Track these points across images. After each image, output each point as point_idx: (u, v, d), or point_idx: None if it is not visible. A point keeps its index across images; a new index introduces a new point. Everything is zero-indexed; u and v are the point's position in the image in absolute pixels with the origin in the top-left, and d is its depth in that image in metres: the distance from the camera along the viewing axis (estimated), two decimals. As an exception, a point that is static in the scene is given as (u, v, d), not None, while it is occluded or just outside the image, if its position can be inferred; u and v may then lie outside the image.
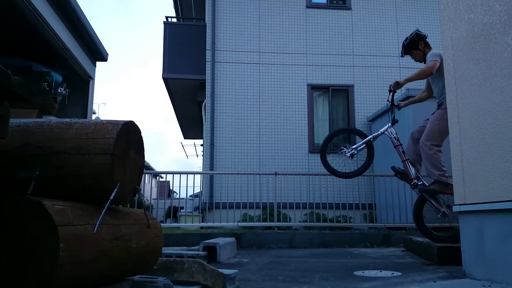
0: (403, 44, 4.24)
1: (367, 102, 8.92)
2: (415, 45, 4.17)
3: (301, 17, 9.26)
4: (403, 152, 4.10)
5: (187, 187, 7.88)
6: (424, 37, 4.16)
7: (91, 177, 1.54)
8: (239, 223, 6.68)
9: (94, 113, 16.17)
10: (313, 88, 8.99)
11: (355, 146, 4.23)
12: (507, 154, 2.38)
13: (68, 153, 1.54)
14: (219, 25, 9.00)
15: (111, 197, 1.54)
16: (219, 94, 8.68)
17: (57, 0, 3.80)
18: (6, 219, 1.27)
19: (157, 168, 32.94)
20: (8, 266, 1.24)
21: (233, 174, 7.82)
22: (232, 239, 4.71)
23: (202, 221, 7.71)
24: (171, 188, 11.15)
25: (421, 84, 4.71)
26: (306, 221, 7.19)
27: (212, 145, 8.38)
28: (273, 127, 8.64)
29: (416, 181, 4.00)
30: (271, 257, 4.39)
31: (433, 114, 4.00)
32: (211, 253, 3.97)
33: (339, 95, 9.10)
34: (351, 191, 7.71)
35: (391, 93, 4.14)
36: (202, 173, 8.48)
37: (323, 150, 4.29)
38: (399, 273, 3.10)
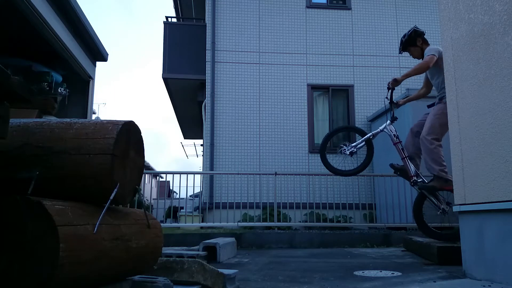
0: (401, 40, 4.24)
1: (367, 102, 8.92)
2: (413, 42, 4.17)
3: (301, 17, 9.26)
4: (402, 149, 4.10)
5: (187, 187, 7.88)
6: (422, 33, 4.17)
7: (91, 177, 1.54)
8: (239, 223, 6.68)
9: (94, 113, 16.17)
10: (313, 88, 8.99)
11: (354, 144, 4.22)
12: (507, 154, 2.38)
13: (68, 153, 1.54)
14: (219, 25, 9.00)
15: (111, 197, 1.54)
16: (219, 94, 8.68)
17: (57, 0, 3.80)
18: (6, 219, 1.27)
19: (157, 168, 32.97)
20: (8, 266, 1.24)
21: (233, 174, 7.83)
22: (232, 239, 4.71)
23: (202, 221, 7.71)
24: (171, 188, 11.15)
25: (420, 83, 4.71)
26: (306, 221, 7.19)
27: (212, 145, 8.38)
28: (273, 127, 8.64)
29: (415, 178, 3.99)
30: (271, 257, 4.39)
31: (432, 107, 4.00)
32: (211, 253, 3.97)
33: (339, 95, 9.10)
34: (351, 191, 7.70)
35: (390, 91, 4.14)
36: (202, 173, 8.48)
37: (322, 148, 4.30)
38: (399, 273, 3.10)
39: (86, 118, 4.72)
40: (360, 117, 8.85)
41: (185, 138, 15.81)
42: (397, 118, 4.23)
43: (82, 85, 4.91)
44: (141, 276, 1.85)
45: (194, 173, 7.32)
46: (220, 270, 2.31)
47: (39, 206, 1.26)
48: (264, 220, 6.87)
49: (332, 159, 4.47)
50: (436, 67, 3.91)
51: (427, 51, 3.97)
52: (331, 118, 8.94)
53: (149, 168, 22.02)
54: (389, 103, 4.24)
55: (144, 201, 17.36)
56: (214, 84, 8.67)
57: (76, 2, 4.09)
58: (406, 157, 4.06)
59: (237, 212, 6.96)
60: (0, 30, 3.73)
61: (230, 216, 6.76)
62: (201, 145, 12.21)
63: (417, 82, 4.79)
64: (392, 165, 4.23)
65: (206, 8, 9.21)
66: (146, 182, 22.03)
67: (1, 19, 3.52)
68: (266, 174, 7.52)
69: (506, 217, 2.39)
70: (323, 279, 2.96)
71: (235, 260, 4.22)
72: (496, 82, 2.50)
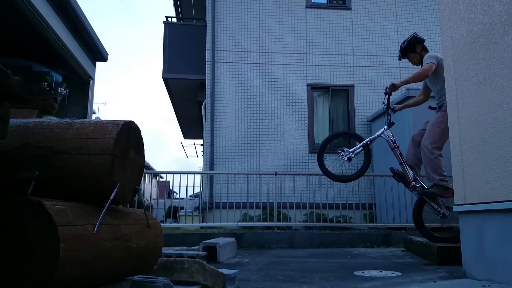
0: (401, 47, 4.25)
1: (367, 102, 8.92)
2: (413, 48, 4.18)
3: (301, 17, 9.26)
4: (400, 154, 4.09)
5: (187, 187, 7.88)
6: (422, 40, 4.18)
7: (91, 177, 1.54)
8: (239, 223, 6.68)
9: (94, 113, 16.17)
10: (313, 88, 8.99)
11: (352, 149, 4.20)
12: (507, 154, 2.38)
13: (68, 153, 1.54)
14: (219, 25, 9.00)
15: (111, 197, 1.54)
16: (219, 94, 8.68)
17: (57, 0, 3.80)
18: (6, 219, 1.27)
19: (157, 168, 32.96)
20: (8, 266, 1.24)
21: (233, 174, 7.83)
22: (232, 239, 4.71)
23: (202, 221, 7.71)
24: (171, 188, 11.15)
25: (421, 84, 4.70)
26: (306, 221, 7.19)
27: (212, 145, 8.38)
28: (273, 127, 8.64)
29: (414, 184, 3.99)
30: (271, 257, 4.39)
31: (432, 116, 3.99)
32: (211, 253, 3.97)
33: (339, 95, 9.10)
34: (351, 191, 7.70)
35: (387, 96, 4.14)
36: (202, 173, 8.49)
37: (320, 153, 4.26)
38: (399, 273, 3.10)
39: (86, 118, 4.72)
40: (360, 117, 8.85)
41: (185, 138, 15.81)
42: (394, 123, 4.20)
43: (82, 85, 4.91)
44: (141, 276, 1.85)
45: (194, 173, 7.33)
46: (220, 270, 2.31)
47: (39, 206, 1.26)
48: (264, 220, 6.87)
49: (331, 163, 4.44)
50: (435, 75, 3.90)
51: (426, 59, 3.96)
52: (331, 118, 8.94)
53: (149, 168, 22.02)
54: (386, 108, 4.23)
55: (144, 201, 17.35)
56: (214, 84, 8.67)
57: (76, 2, 4.09)
58: (404, 162, 4.05)
59: (237, 212, 6.96)
60: (0, 30, 3.73)
61: (230, 216, 6.76)
62: (201, 145, 12.22)
63: (417, 83, 4.78)
64: (392, 170, 4.21)
65: (206, 8, 9.21)
66: (146, 182, 22.03)
67: (1, 19, 3.52)
68: (266, 174, 7.52)
69: (506, 217, 2.39)
70: (323, 279, 2.96)
71: (235, 260, 4.22)
72: (496, 82, 2.50)
